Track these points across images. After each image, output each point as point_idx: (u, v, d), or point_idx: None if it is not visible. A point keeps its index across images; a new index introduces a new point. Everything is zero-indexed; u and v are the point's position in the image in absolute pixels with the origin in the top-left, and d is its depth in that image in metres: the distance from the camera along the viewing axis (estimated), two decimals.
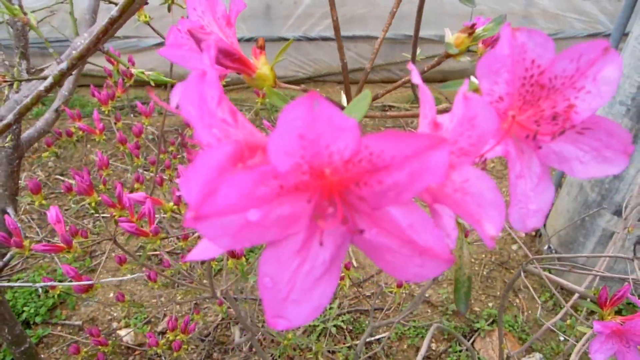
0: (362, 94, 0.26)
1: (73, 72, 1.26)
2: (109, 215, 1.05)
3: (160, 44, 3.72)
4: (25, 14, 0.74)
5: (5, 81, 1.01)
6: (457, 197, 0.20)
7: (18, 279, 2.31)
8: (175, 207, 0.71)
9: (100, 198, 0.77)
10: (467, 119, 0.19)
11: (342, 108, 0.35)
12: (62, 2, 1.40)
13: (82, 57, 0.42)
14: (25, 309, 2.15)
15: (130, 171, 2.94)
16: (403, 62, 3.87)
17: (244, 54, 0.29)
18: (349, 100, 0.35)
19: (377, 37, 3.61)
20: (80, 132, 1.22)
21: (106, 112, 1.12)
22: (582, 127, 0.22)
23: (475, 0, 0.36)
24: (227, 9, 0.29)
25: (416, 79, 0.21)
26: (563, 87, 0.22)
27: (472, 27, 0.29)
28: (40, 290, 2.19)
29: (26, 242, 0.65)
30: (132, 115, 3.45)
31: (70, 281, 0.75)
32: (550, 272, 2.44)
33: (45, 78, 0.57)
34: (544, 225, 2.52)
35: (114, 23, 0.38)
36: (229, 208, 0.16)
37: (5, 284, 1.06)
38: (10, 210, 1.22)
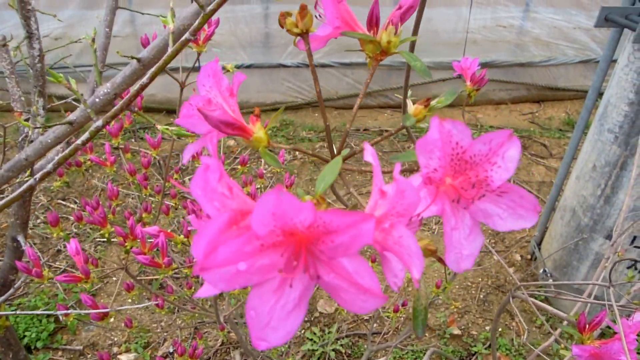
0: (333, 161, 0.32)
1: (86, 100, 1.33)
2: (107, 238, 1.11)
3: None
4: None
5: (22, 118, 1.08)
6: (396, 248, 0.27)
7: (19, 304, 2.35)
8: (185, 239, 0.77)
9: (113, 229, 0.83)
10: (399, 193, 0.25)
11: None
12: (75, 42, 1.48)
13: (115, 117, 0.48)
14: (26, 333, 2.19)
15: (131, 195, 3.00)
16: (399, 87, 3.96)
17: (243, 121, 0.35)
18: (332, 153, 0.41)
19: None
20: (89, 162, 1.28)
21: (116, 145, 1.19)
22: (500, 191, 0.29)
23: (430, 72, 0.42)
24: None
25: (369, 157, 0.28)
26: (481, 162, 0.28)
27: (428, 101, 0.36)
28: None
29: (45, 272, 0.71)
30: (133, 140, 3.52)
31: (86, 308, 0.80)
32: (545, 296, 2.48)
33: (70, 123, 0.64)
34: (539, 249, 2.56)
35: (144, 88, 0.44)
36: (225, 262, 0.23)
37: (20, 312, 1.11)
38: (20, 238, 1.27)
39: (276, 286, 0.25)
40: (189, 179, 3.14)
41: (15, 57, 1.04)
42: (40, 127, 0.66)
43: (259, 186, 1.43)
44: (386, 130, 3.71)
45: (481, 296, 2.41)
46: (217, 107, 0.34)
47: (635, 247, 2.09)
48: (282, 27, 0.36)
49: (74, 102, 1.14)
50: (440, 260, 0.32)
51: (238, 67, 3.71)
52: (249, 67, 3.76)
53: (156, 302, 0.99)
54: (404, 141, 3.56)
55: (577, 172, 2.23)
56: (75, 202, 2.95)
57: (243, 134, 0.35)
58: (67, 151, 0.50)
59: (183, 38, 0.40)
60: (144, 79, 0.44)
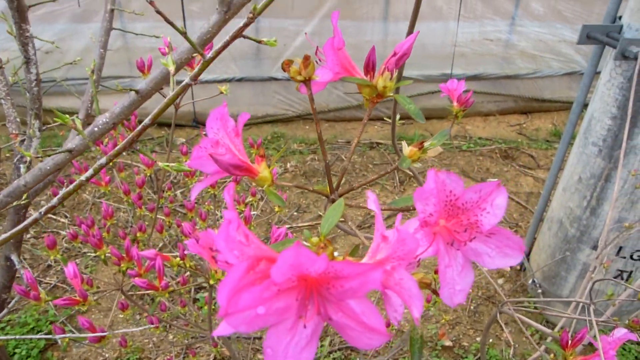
0: (336, 203, 0.34)
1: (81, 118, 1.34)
2: (103, 260, 1.12)
3: None
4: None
5: (17, 137, 1.09)
6: (397, 288, 0.29)
7: (9, 320, 2.33)
8: (181, 261, 0.78)
9: (109, 250, 0.84)
10: (400, 241, 0.28)
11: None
12: (70, 63, 1.49)
13: (118, 154, 0.50)
14: (17, 350, 2.17)
15: (122, 209, 2.99)
16: (389, 100, 4.00)
17: (249, 161, 0.37)
18: (330, 188, 0.43)
19: None
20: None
21: (111, 164, 1.20)
22: (489, 233, 0.31)
23: (420, 117, 0.45)
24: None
25: (371, 205, 0.30)
26: (472, 208, 0.31)
27: (421, 143, 0.38)
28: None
29: (43, 294, 0.72)
30: (124, 153, 3.52)
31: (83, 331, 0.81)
32: (535, 305, 2.51)
33: (69, 151, 0.65)
34: (528, 260, 2.60)
35: (146, 129, 0.46)
36: (246, 307, 0.25)
37: (16, 336, 1.11)
38: (14, 257, 1.28)
39: (290, 325, 0.28)
40: (181, 193, 3.12)
41: (13, 81, 1.05)
42: (40, 157, 0.67)
43: (251, 201, 1.45)
44: (377, 143, 3.75)
45: (472, 307, 2.44)
46: (224, 148, 0.36)
47: (621, 257, 2.13)
48: (284, 71, 0.38)
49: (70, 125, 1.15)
50: (435, 292, 0.34)
51: (229, 80, 3.73)
52: (240, 80, 3.78)
53: (154, 325, 1.00)
54: (393, 153, 3.60)
55: (564, 184, 2.28)
56: (66, 217, 2.94)
57: (249, 174, 0.37)
58: (71, 187, 0.51)
59: (184, 83, 0.42)
60: (146, 120, 0.46)
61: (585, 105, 2.17)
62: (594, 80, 2.12)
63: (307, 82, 0.37)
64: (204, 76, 3.87)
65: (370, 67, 0.41)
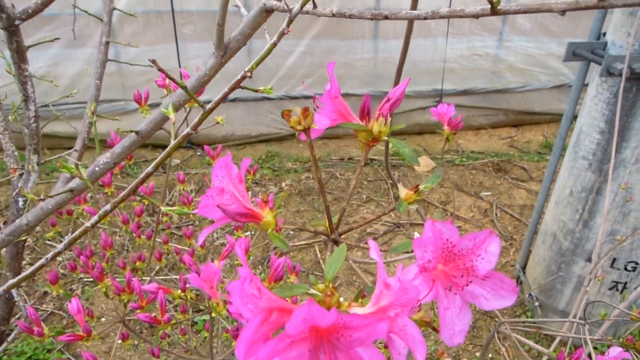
0: (339, 249, 0.36)
1: (77, 151, 1.35)
2: (104, 292, 1.12)
3: (151, 105, 3.86)
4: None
5: (15, 172, 1.10)
6: (401, 334, 0.30)
7: (6, 350, 2.31)
8: (182, 293, 0.79)
9: (110, 283, 0.85)
10: (402, 290, 0.29)
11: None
12: (68, 96, 1.51)
13: (122, 201, 0.51)
14: None
15: (118, 233, 2.99)
16: None
17: (253, 207, 0.39)
18: (330, 227, 0.44)
19: (354, 94, 3.78)
20: (82, 210, 1.30)
21: (109, 194, 1.21)
22: (484, 277, 0.33)
23: (417, 157, 0.47)
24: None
25: (373, 255, 0.32)
26: (468, 254, 0.33)
27: (417, 187, 0.40)
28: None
29: (46, 330, 0.72)
30: (119, 176, 3.53)
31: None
32: (533, 318, 2.52)
33: (71, 190, 0.67)
34: (524, 273, 2.62)
35: (149, 177, 0.47)
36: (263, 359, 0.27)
37: None
38: (13, 290, 1.28)
39: None
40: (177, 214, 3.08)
41: (12, 119, 1.07)
42: (43, 199, 0.68)
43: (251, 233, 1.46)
44: (371, 159, 3.78)
45: (470, 323, 2.44)
46: (229, 195, 0.38)
47: (615, 268, 2.15)
48: (284, 119, 0.40)
49: (67, 157, 1.16)
50: (435, 330, 0.36)
51: (223, 102, 3.76)
52: (233, 100, 3.81)
53: (151, 351, 1.00)
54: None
55: (556, 198, 2.31)
56: (62, 242, 2.93)
57: (254, 220, 0.39)
58: (77, 233, 0.53)
59: (184, 132, 0.44)
60: (149, 168, 0.47)
61: (575, 117, 2.21)
62: (582, 93, 2.17)
63: (306, 130, 0.39)
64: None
65: (365, 112, 0.43)
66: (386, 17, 0.42)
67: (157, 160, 0.47)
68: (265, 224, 0.39)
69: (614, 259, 2.13)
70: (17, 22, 0.76)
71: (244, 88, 0.41)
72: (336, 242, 0.43)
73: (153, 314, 0.81)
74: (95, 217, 0.51)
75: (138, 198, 1.34)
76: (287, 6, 0.51)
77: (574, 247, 2.21)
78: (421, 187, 0.40)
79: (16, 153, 1.18)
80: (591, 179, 2.07)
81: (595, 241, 2.13)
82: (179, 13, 3.62)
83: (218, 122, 0.99)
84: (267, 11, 0.55)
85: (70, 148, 3.47)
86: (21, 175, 1.13)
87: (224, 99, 0.43)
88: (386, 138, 0.41)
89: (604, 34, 2.04)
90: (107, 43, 1.30)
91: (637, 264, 2.11)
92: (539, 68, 4.14)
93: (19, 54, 0.83)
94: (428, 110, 4.07)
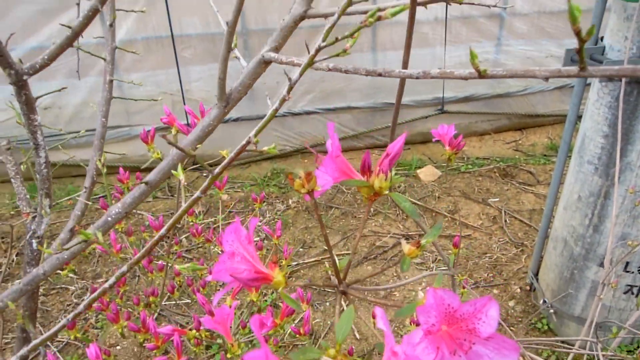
0: (347, 311, 0.37)
1: (86, 188, 1.37)
2: (120, 333, 1.14)
3: (157, 130, 3.89)
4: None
5: (28, 216, 1.12)
6: None
7: None
8: (196, 332, 0.80)
9: (126, 324, 0.86)
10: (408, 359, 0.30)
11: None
12: (75, 136, 1.53)
13: (138, 262, 0.53)
14: None
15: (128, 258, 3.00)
16: (384, 128, 4.07)
17: (264, 269, 0.40)
18: (338, 278, 0.45)
19: (356, 107, 3.81)
20: (93, 247, 1.32)
21: (120, 228, 1.23)
22: (487, 338, 0.34)
23: (416, 211, 0.48)
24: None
25: (380, 325, 0.33)
26: (470, 318, 0.34)
27: (418, 242, 0.41)
28: None
29: None
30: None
31: None
32: (548, 325, 2.51)
33: (85, 241, 0.68)
34: (537, 280, 2.60)
35: (162, 239, 0.49)
36: None
37: None
38: (30, 328, 1.29)
39: None
40: (186, 238, 3.11)
41: (24, 168, 1.09)
42: (58, 252, 0.70)
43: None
44: None
45: None
46: (240, 257, 0.39)
47: (629, 272, 2.14)
48: (290, 184, 0.41)
49: (77, 198, 1.18)
50: None
51: (225, 121, 3.79)
52: (236, 120, 3.85)
53: None
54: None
55: (564, 203, 2.30)
56: (74, 272, 2.95)
57: (266, 282, 0.40)
58: (95, 294, 0.54)
59: (195, 196, 0.46)
60: (162, 230, 0.49)
61: (579, 117, 2.21)
62: (585, 93, 2.17)
63: (310, 193, 0.40)
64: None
65: (366, 168, 0.44)
66: (380, 75, 0.43)
67: (169, 223, 0.48)
68: (276, 284, 0.40)
69: (627, 263, 2.12)
70: (25, 77, 0.78)
71: (249, 151, 0.42)
72: (344, 293, 0.44)
73: (169, 355, 0.82)
74: (113, 279, 0.52)
75: (148, 231, 1.36)
76: (284, 59, 0.52)
77: (586, 253, 2.20)
78: (423, 242, 0.41)
79: (28, 196, 1.20)
80: (598, 183, 2.06)
81: (606, 245, 2.12)
82: (178, 37, 3.67)
83: (224, 156, 1.01)
84: (266, 62, 0.57)
85: (76, 176, 3.54)
86: (34, 217, 1.15)
87: (229, 164, 0.45)
88: (387, 192, 0.42)
89: (602, 38, 2.04)
90: (111, 81, 1.33)
91: None
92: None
93: (28, 106, 0.86)
94: (429, 120, 4.09)
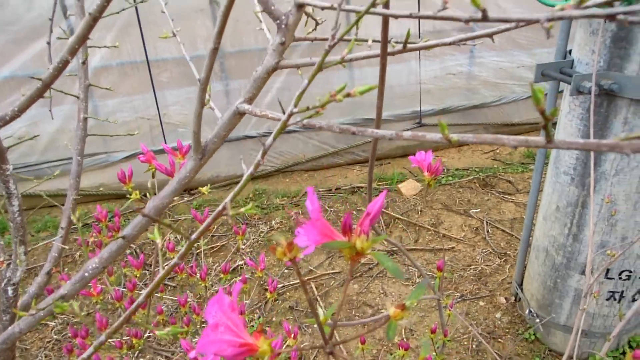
0: None
1: (62, 229, 1.34)
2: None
3: (130, 157, 3.84)
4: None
5: (3, 264, 1.09)
6: None
7: None
8: None
9: None
10: None
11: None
12: (49, 178, 1.51)
13: (119, 328, 0.51)
14: None
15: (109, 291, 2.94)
16: (364, 143, 4.09)
17: (248, 337, 0.39)
18: (324, 339, 0.45)
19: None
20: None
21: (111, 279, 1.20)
22: None
23: (401, 271, 0.48)
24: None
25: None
26: None
27: (403, 305, 0.41)
28: None
29: None
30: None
31: None
32: (535, 335, 2.52)
33: (62, 297, 0.66)
34: (522, 290, 2.63)
35: (139, 308, 0.48)
36: None
37: None
38: None
39: None
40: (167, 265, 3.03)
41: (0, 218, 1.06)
42: (34, 314, 0.68)
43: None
44: (358, 187, 3.79)
45: (474, 346, 2.43)
46: (223, 327, 0.38)
47: (610, 278, 2.17)
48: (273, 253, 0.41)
49: (54, 242, 1.15)
50: None
51: None
52: None
53: None
54: (374, 196, 3.64)
55: (543, 213, 2.34)
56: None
57: (252, 353, 0.39)
58: (85, 354, 0.52)
59: (172, 262, 0.45)
60: (140, 298, 0.48)
61: (554, 124, 2.25)
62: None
63: (292, 260, 0.40)
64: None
65: (347, 229, 0.44)
66: (353, 133, 0.44)
67: (147, 291, 0.47)
68: (261, 354, 0.39)
69: (608, 270, 2.15)
70: None
71: (227, 216, 0.42)
72: (332, 353, 0.44)
73: None
74: (90, 349, 0.51)
75: (131, 272, 1.33)
76: (258, 112, 0.52)
77: (567, 261, 2.23)
78: (407, 303, 0.41)
79: (2, 242, 1.17)
80: (575, 193, 2.10)
81: (587, 254, 2.16)
82: (154, 62, 3.65)
83: (204, 193, 1.00)
84: (240, 113, 0.57)
85: (54, 206, 3.43)
86: (9, 264, 1.12)
87: (205, 230, 0.44)
88: (369, 252, 0.42)
89: (570, 52, 2.10)
90: (85, 119, 1.31)
91: (630, 272, 2.14)
92: (512, 80, 4.23)
93: (0, 156, 0.84)
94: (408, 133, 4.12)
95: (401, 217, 3.36)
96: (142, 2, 1.36)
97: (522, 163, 4.01)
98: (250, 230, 3.35)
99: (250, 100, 0.55)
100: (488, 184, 3.70)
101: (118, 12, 1.33)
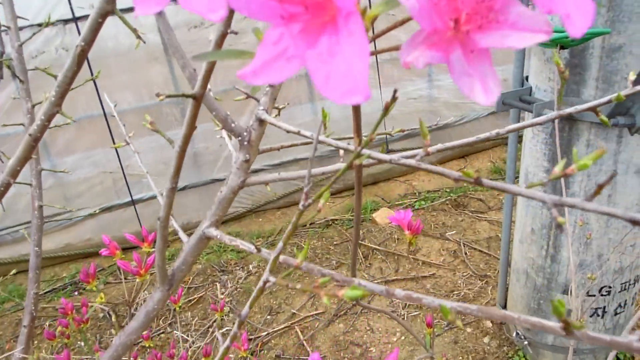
0: None
1: (25, 327, 1.25)
2: None
3: (93, 214, 3.70)
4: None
5: None
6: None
7: None
8: None
9: None
10: None
11: None
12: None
13: None
14: None
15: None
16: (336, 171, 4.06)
17: None
18: None
19: (303, 158, 3.75)
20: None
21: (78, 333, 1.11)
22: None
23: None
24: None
25: None
26: None
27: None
28: None
29: None
30: (76, 293, 3.32)
31: None
32: (525, 357, 2.51)
33: None
34: None
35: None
36: None
37: None
38: None
39: None
40: None
41: None
42: None
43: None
44: (332, 220, 3.76)
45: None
46: None
47: (591, 296, 2.19)
48: None
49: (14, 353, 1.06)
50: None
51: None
52: (183, 189, 3.74)
53: None
54: (350, 227, 3.61)
55: (519, 236, 2.35)
56: None
57: None
58: None
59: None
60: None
61: (520, 137, 2.25)
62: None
63: None
64: (146, 193, 3.79)
65: None
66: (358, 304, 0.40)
67: None
68: None
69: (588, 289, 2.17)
70: None
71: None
72: None
73: None
74: None
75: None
76: (228, 240, 0.48)
77: (548, 282, 2.23)
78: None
79: None
80: (548, 215, 2.12)
81: (566, 273, 2.17)
82: (111, 114, 3.56)
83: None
84: (207, 238, 0.52)
85: (18, 273, 3.21)
86: None
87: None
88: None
89: (527, 78, 2.14)
90: (41, 207, 1.23)
91: (610, 287, 2.16)
92: (472, 100, 4.31)
93: None
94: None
95: (379, 247, 3.33)
96: (96, 77, 1.30)
97: (490, 179, 4.05)
98: (227, 278, 3.25)
99: (216, 223, 0.50)
100: (460, 204, 3.73)
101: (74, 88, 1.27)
